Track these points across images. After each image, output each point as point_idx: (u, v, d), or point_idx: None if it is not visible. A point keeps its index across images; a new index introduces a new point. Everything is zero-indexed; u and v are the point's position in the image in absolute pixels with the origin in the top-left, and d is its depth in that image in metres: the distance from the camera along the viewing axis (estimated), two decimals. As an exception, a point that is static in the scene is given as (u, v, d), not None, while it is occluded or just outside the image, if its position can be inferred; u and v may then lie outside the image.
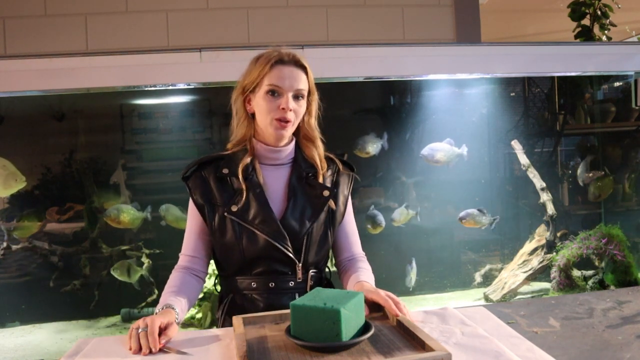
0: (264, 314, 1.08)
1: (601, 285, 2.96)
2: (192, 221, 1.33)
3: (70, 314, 3.01)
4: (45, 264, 3.02)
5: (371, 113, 3.46)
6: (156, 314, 1.13)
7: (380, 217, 3.06)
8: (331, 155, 1.40)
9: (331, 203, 1.32)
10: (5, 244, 2.87)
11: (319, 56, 2.50)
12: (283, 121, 1.25)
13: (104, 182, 3.09)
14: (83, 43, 2.95)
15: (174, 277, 1.29)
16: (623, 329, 1.37)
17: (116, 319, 3.02)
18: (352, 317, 0.91)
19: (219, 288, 1.41)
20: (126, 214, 2.87)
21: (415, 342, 0.91)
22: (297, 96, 1.28)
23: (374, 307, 1.11)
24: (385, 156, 3.27)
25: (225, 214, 1.26)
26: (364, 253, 1.41)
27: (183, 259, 1.33)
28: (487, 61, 2.73)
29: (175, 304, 1.17)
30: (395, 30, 3.20)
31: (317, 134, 1.37)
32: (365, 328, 0.94)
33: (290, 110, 1.25)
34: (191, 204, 1.32)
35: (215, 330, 1.12)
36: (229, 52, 2.33)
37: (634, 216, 3.47)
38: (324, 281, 1.39)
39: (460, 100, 3.47)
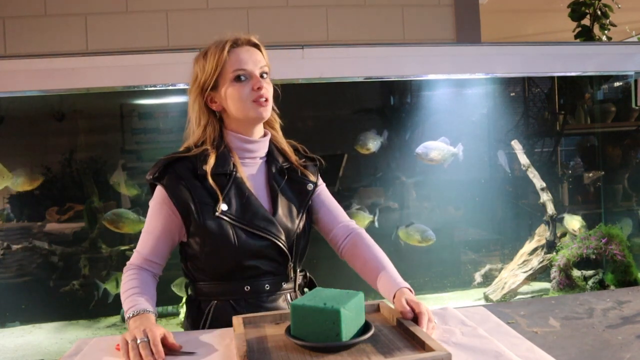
0: (264, 314, 1.08)
1: (601, 285, 2.96)
2: (155, 221, 1.22)
3: (70, 314, 3.01)
4: (45, 264, 3.01)
5: (371, 113, 3.46)
6: (130, 318, 1.07)
7: (430, 232, 3.09)
8: (297, 144, 1.37)
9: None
10: (5, 244, 2.87)
11: (319, 56, 2.50)
12: (262, 99, 1.20)
13: (104, 182, 3.08)
14: (83, 43, 2.95)
15: (132, 276, 1.18)
16: (623, 329, 1.37)
17: (116, 319, 3.02)
18: (352, 317, 0.90)
19: (191, 293, 1.28)
20: (125, 219, 2.84)
21: (415, 342, 0.91)
22: (262, 75, 1.23)
23: (374, 307, 1.11)
24: (385, 156, 3.27)
25: (216, 214, 1.17)
26: (354, 221, 1.35)
27: (138, 257, 1.22)
28: (487, 61, 2.73)
29: (150, 307, 1.11)
30: (395, 30, 3.20)
31: (276, 117, 1.32)
32: (365, 328, 0.94)
33: (265, 88, 1.21)
34: (155, 202, 1.22)
35: (215, 330, 1.11)
36: (229, 52, 2.33)
37: (634, 216, 3.47)
38: (308, 279, 1.35)
39: (460, 100, 3.48)
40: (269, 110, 1.23)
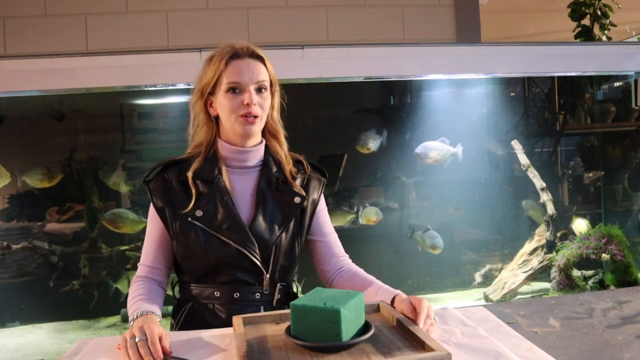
0: (264, 314, 1.08)
1: (601, 285, 2.96)
2: (152, 228, 1.27)
3: (70, 314, 3.01)
4: (45, 264, 3.01)
5: (371, 113, 3.46)
6: (134, 320, 1.09)
7: (439, 240, 3.09)
8: (301, 159, 1.35)
9: (306, 203, 1.27)
10: (5, 244, 2.87)
11: (319, 56, 2.50)
12: (250, 116, 1.20)
13: (103, 182, 3.08)
14: (83, 43, 2.95)
15: (139, 286, 1.22)
16: (623, 329, 1.37)
17: (116, 319, 3.02)
18: (352, 317, 0.90)
19: (177, 294, 1.33)
20: (125, 219, 2.83)
21: (415, 342, 0.91)
22: (259, 89, 1.22)
23: (374, 308, 1.11)
24: (385, 156, 3.27)
25: (190, 219, 1.20)
26: (347, 255, 1.35)
27: (142, 269, 1.27)
28: (487, 61, 2.73)
29: (155, 309, 1.13)
30: (395, 30, 3.20)
31: (280, 129, 1.31)
32: (365, 328, 0.94)
33: (255, 104, 1.20)
34: (152, 209, 1.26)
35: (214, 331, 1.11)
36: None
37: (634, 216, 3.47)
38: (292, 296, 1.31)
39: (460, 100, 3.47)
40: (257, 127, 1.23)
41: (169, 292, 1.34)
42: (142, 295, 1.19)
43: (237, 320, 1.02)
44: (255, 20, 3.08)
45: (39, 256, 3.01)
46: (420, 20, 3.22)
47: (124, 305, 3.15)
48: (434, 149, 3.04)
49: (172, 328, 1.30)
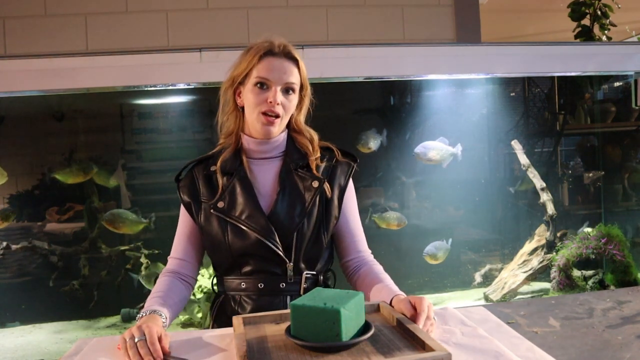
0: (264, 314, 1.07)
1: (601, 285, 2.96)
2: (182, 223, 1.30)
3: (70, 314, 3.01)
4: (45, 264, 3.02)
5: (371, 113, 3.46)
6: (140, 318, 1.09)
7: (431, 249, 3.11)
8: (331, 145, 1.34)
9: (327, 187, 1.25)
10: (5, 244, 2.87)
11: (319, 56, 2.50)
12: (270, 115, 1.20)
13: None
14: (83, 43, 2.95)
15: (161, 282, 1.24)
16: (623, 329, 1.37)
17: (116, 319, 3.02)
18: (352, 317, 0.90)
19: (216, 288, 1.35)
20: (124, 219, 2.83)
21: (415, 342, 0.91)
22: (287, 90, 1.22)
23: (374, 308, 1.11)
24: (386, 156, 3.27)
25: (212, 210, 1.22)
26: (370, 251, 1.33)
27: (171, 262, 1.29)
28: (487, 61, 2.73)
29: (162, 310, 1.12)
30: (395, 30, 3.20)
31: (304, 129, 1.31)
32: (365, 328, 0.94)
33: (279, 104, 1.20)
34: (182, 207, 1.29)
35: (215, 331, 1.11)
36: (229, 52, 2.33)
37: (634, 216, 3.47)
38: (321, 284, 1.29)
39: (460, 100, 3.47)
40: (277, 127, 1.23)
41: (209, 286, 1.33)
42: (159, 293, 1.20)
43: (237, 320, 1.02)
44: (255, 20, 3.08)
45: (39, 256, 3.01)
46: (420, 20, 3.22)
47: (124, 305, 3.16)
48: (433, 148, 3.04)
49: (210, 322, 1.32)
